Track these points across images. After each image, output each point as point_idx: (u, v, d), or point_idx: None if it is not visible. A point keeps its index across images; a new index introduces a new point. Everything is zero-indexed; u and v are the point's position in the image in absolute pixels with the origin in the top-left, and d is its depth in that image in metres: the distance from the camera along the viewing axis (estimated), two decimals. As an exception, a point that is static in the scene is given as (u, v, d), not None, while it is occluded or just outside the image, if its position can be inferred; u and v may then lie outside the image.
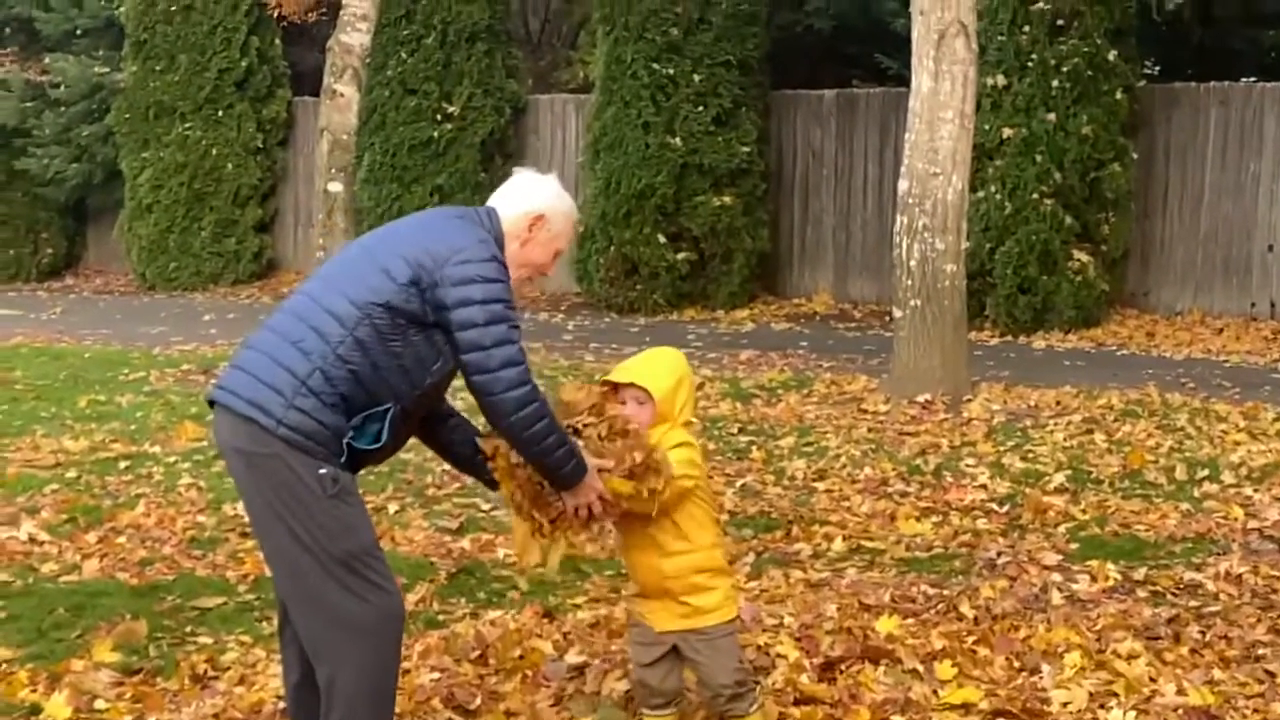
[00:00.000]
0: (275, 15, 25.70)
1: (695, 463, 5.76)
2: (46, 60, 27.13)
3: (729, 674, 5.84)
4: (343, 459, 5.28)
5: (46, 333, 20.16)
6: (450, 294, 5.23)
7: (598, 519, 5.58)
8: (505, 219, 5.54)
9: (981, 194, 18.79)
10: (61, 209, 28.40)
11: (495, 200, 5.63)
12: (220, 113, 25.79)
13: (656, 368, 5.84)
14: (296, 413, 5.21)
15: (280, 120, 26.50)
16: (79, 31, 27.39)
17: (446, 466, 10.99)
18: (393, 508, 10.33)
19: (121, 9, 26.08)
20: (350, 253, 5.55)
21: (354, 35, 22.21)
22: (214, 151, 25.77)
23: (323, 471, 5.22)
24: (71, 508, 10.35)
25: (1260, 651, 7.11)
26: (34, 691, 6.86)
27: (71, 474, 11.47)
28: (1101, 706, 6.38)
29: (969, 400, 14.05)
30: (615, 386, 5.81)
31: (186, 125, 25.70)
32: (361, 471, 5.52)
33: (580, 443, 5.49)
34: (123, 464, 11.84)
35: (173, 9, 25.53)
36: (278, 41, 26.40)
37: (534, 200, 5.58)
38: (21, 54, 27.77)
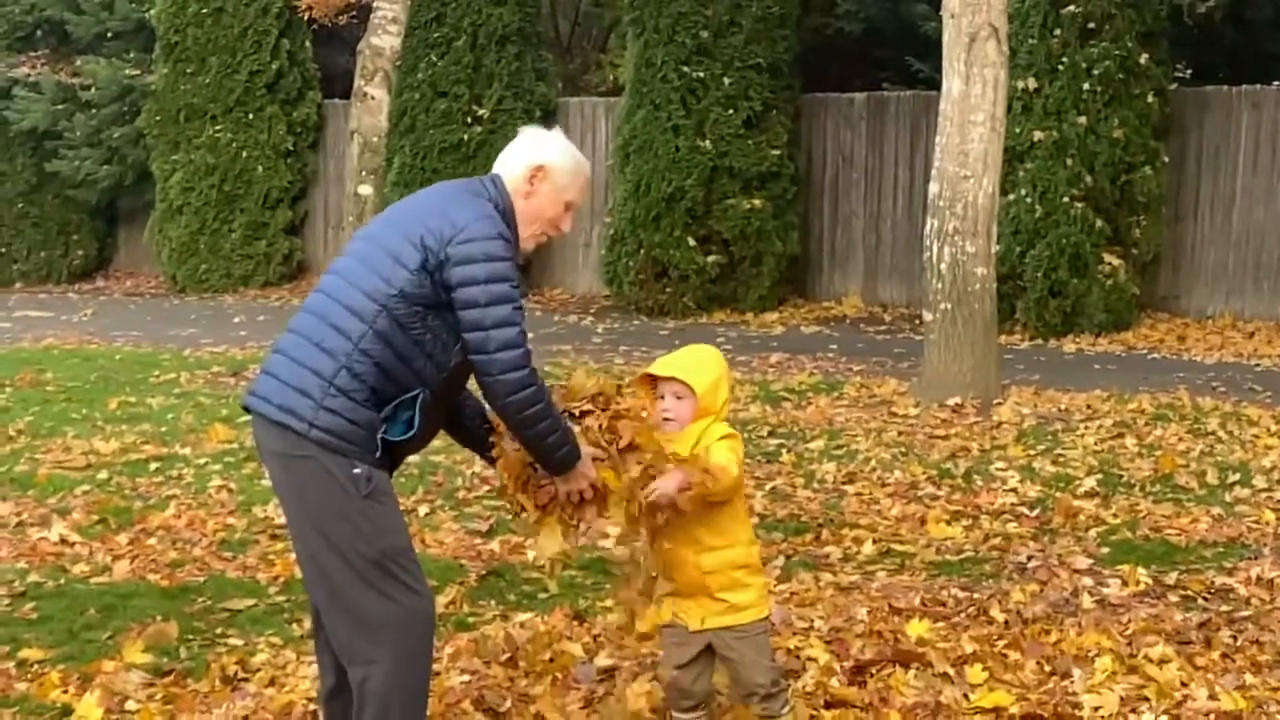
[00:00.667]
0: (306, 18, 25.71)
1: (740, 456, 5.76)
2: (78, 63, 27.20)
3: (764, 672, 5.85)
4: (378, 454, 5.28)
5: (77, 334, 20.22)
6: (454, 273, 5.23)
7: (588, 505, 5.57)
8: (508, 178, 5.53)
9: (1012, 197, 18.74)
10: (92, 211, 28.50)
11: (499, 163, 5.61)
12: (251, 115, 25.84)
13: (697, 363, 5.84)
14: (327, 414, 5.23)
15: (310, 123, 26.53)
16: (110, 34, 27.46)
17: (477, 469, 11.07)
18: (423, 510, 10.34)
19: (152, 12, 26.12)
20: (358, 245, 5.52)
21: (385, 38, 22.26)
22: (244, 154, 25.81)
23: (357, 471, 5.23)
24: (102, 509, 10.38)
25: (1292, 656, 7.10)
26: (65, 693, 6.88)
27: (102, 475, 11.50)
28: (1133, 711, 6.37)
29: (999, 404, 14.02)
30: (655, 380, 5.81)
31: (217, 128, 25.76)
32: (396, 471, 5.53)
33: (577, 429, 5.49)
34: (153, 466, 11.87)
35: (204, 12, 25.59)
36: (308, 44, 26.44)
37: (533, 154, 5.55)
38: (53, 56, 27.85)
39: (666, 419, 5.77)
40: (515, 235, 5.48)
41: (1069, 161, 18.97)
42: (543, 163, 5.51)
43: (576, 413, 5.55)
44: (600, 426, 5.54)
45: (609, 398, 5.64)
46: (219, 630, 7.88)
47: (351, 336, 5.27)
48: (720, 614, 5.80)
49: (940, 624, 7.56)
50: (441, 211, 5.37)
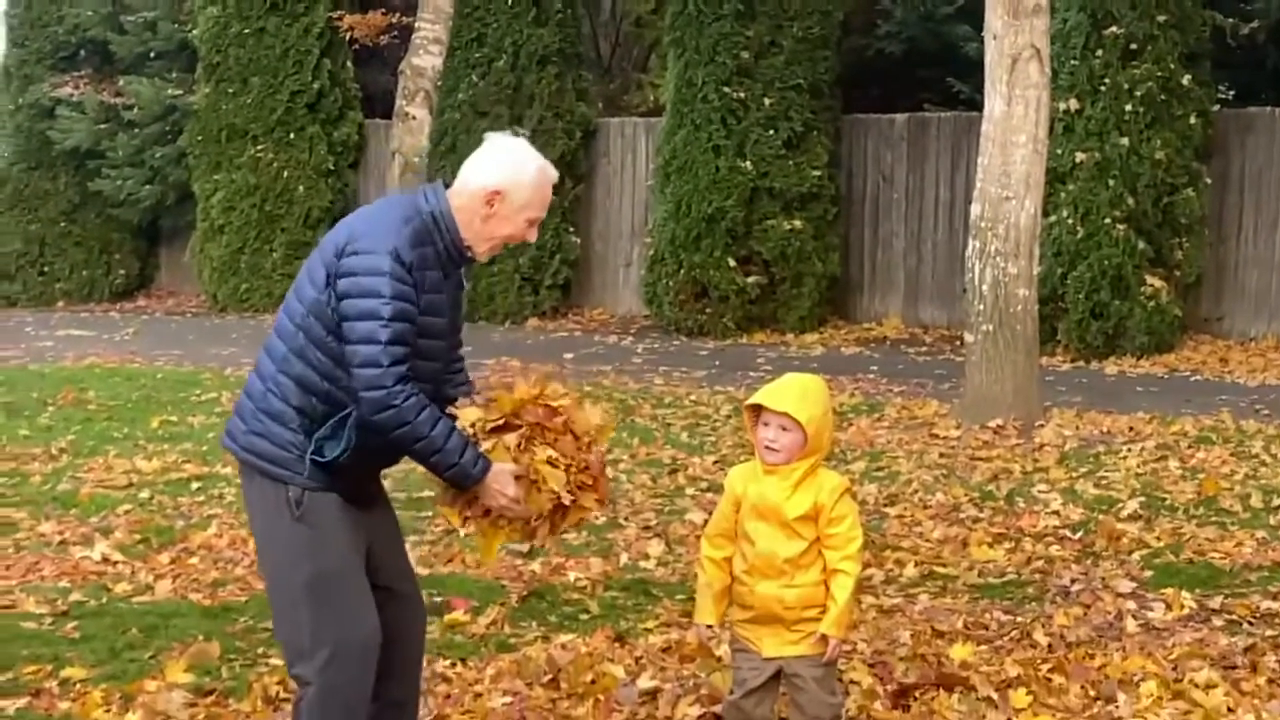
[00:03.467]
0: (347, 38, 25.77)
1: (856, 514, 5.84)
2: (120, 83, 27.34)
3: (826, 707, 5.83)
4: (305, 475, 5.32)
5: (119, 353, 20.29)
6: (338, 285, 5.26)
7: (541, 521, 5.57)
8: (463, 193, 5.48)
9: (1054, 218, 18.68)
10: (134, 230, 28.64)
11: (460, 174, 5.56)
12: (292, 135, 25.90)
13: (805, 395, 5.80)
14: (255, 437, 5.38)
15: (351, 143, 26.58)
16: (153, 54, 27.61)
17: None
18: (464, 531, 10.32)
19: (195, 32, 26.23)
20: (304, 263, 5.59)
21: (426, 58, 22.26)
22: (285, 174, 25.87)
23: (289, 494, 5.32)
24: (144, 528, 10.42)
25: (1339, 682, 7.04)
26: (108, 711, 6.90)
27: (144, 494, 11.53)
28: (1179, 737, 6.33)
29: (1041, 426, 13.97)
30: (759, 410, 5.80)
31: (258, 147, 25.83)
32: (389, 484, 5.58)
33: (487, 445, 5.44)
34: (195, 485, 11.90)
35: (245, 32, 25.68)
36: (349, 64, 26.49)
37: (490, 176, 5.49)
38: (96, 76, 27.99)
39: (771, 449, 5.77)
40: (456, 246, 5.45)
41: (1111, 183, 18.91)
42: (499, 188, 5.45)
43: (489, 428, 5.50)
44: (517, 445, 5.49)
45: (533, 409, 5.56)
46: (260, 650, 7.88)
47: (275, 359, 5.40)
48: (794, 643, 5.79)
49: (983, 647, 7.53)
50: (348, 224, 5.44)
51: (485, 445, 5.44)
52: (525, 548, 9.78)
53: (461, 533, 5.57)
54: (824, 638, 5.76)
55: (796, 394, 5.77)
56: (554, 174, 5.64)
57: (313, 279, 5.35)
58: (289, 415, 5.32)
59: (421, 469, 5.49)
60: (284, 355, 5.35)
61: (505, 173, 5.49)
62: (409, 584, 5.81)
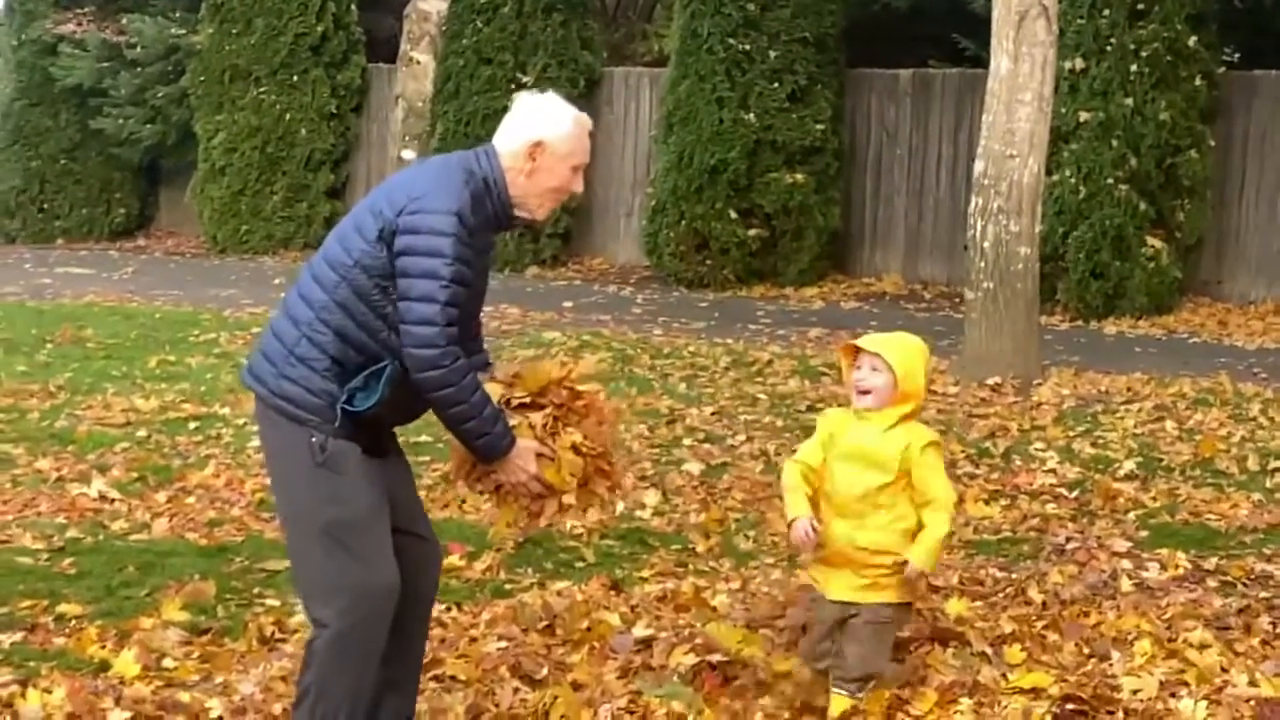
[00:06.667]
0: (352, -19, 25.71)
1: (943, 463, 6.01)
2: (124, 21, 27.21)
3: (872, 664, 5.98)
4: (336, 424, 5.32)
5: (118, 292, 20.28)
6: (398, 242, 5.28)
7: (548, 499, 5.59)
8: (505, 154, 5.50)
9: (1056, 177, 18.61)
10: (135, 169, 28.60)
11: (497, 136, 5.58)
12: (295, 78, 25.80)
13: (902, 346, 6.03)
14: (287, 382, 5.37)
15: (355, 86, 26.46)
16: (156, -8, 27.51)
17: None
18: (484, 501, 10.34)
19: (200, -29, 26.15)
20: (346, 218, 5.61)
21: (431, 2, 22.30)
22: (288, 116, 25.78)
23: (313, 440, 5.33)
24: (141, 466, 10.44)
25: (1332, 645, 7.06)
26: (103, 648, 6.93)
27: (142, 433, 11.55)
28: (1172, 695, 6.34)
29: (1039, 384, 13.98)
30: (857, 352, 6.01)
31: (261, 89, 25.74)
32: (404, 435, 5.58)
33: (515, 420, 5.47)
34: (192, 424, 11.92)
35: (250, -27, 25.60)
36: (354, 7, 26.34)
37: (530, 129, 5.50)
38: (99, 14, 27.86)
39: (863, 390, 5.93)
40: (505, 210, 5.49)
41: (1114, 143, 18.87)
42: (540, 138, 5.47)
43: (513, 403, 5.53)
44: (544, 425, 5.52)
45: (557, 390, 5.60)
46: (256, 590, 7.92)
47: (313, 305, 5.39)
48: (861, 589, 5.91)
49: (978, 603, 7.54)
50: (408, 182, 5.45)
51: (511, 421, 5.47)
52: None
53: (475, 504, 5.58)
54: (905, 563, 5.88)
55: (894, 342, 6.00)
56: (589, 121, 5.66)
57: (362, 230, 5.37)
58: (325, 363, 5.33)
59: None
60: (325, 303, 5.35)
61: (543, 124, 5.50)
62: (425, 527, 5.84)
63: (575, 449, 5.53)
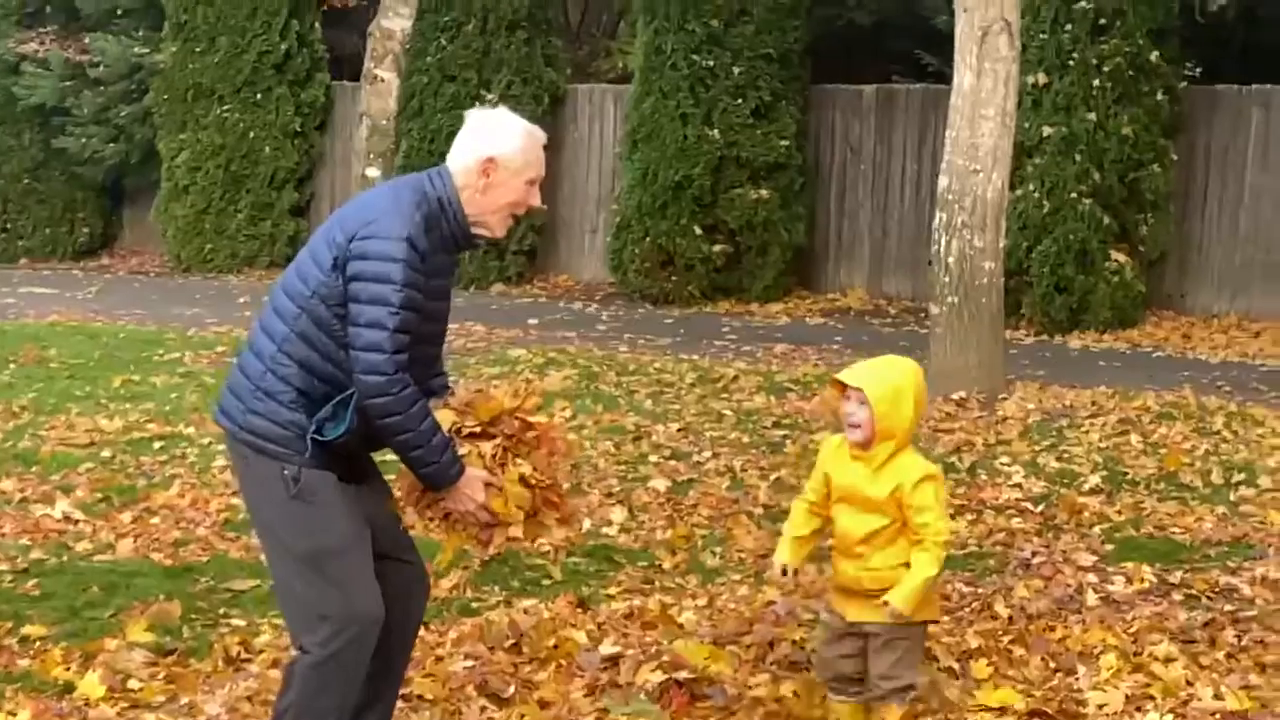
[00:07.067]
0: (316, -1, 25.68)
1: (944, 499, 5.98)
2: (86, 39, 27.11)
3: (896, 678, 5.97)
4: (306, 455, 5.32)
5: (81, 312, 20.17)
6: (349, 267, 5.27)
7: (496, 528, 5.58)
8: (458, 172, 5.48)
9: (1020, 192, 18.67)
10: (98, 189, 28.42)
11: (450, 155, 5.55)
12: (259, 96, 25.70)
13: (879, 371, 5.92)
14: (255, 416, 5.39)
15: (319, 104, 26.37)
16: (119, 11, 27.33)
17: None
18: (416, 530, 10.31)
19: (162, -11, 26.07)
20: (308, 243, 5.58)
21: (395, 20, 22.29)
22: (251, 134, 25.69)
23: (286, 472, 5.34)
24: (106, 487, 10.42)
25: (1297, 657, 7.09)
26: (68, 670, 6.91)
27: (106, 453, 11.52)
28: (1138, 709, 6.38)
29: (1004, 399, 14.01)
30: (844, 386, 5.91)
31: (225, 107, 25.65)
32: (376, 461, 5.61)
33: (464, 449, 5.46)
34: (157, 444, 11.88)
35: (213, -10, 25.54)
36: (317, 25, 26.27)
37: (481, 146, 5.49)
38: (62, 33, 27.73)
39: (852, 424, 5.88)
40: (463, 230, 5.47)
41: (1077, 158, 18.93)
42: (491, 154, 5.46)
43: (464, 432, 5.51)
44: (493, 455, 5.51)
45: (509, 420, 5.58)
46: (222, 610, 7.90)
47: (275, 338, 5.41)
48: (875, 609, 5.90)
49: (945, 618, 7.54)
50: (361, 208, 5.45)
51: (461, 450, 5.45)
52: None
53: (411, 532, 5.54)
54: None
55: (875, 375, 5.88)
56: (542, 135, 5.66)
57: (318, 260, 5.37)
58: (290, 395, 5.34)
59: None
60: (285, 335, 5.36)
61: (494, 140, 5.49)
62: (410, 552, 5.84)
63: (523, 480, 5.52)
